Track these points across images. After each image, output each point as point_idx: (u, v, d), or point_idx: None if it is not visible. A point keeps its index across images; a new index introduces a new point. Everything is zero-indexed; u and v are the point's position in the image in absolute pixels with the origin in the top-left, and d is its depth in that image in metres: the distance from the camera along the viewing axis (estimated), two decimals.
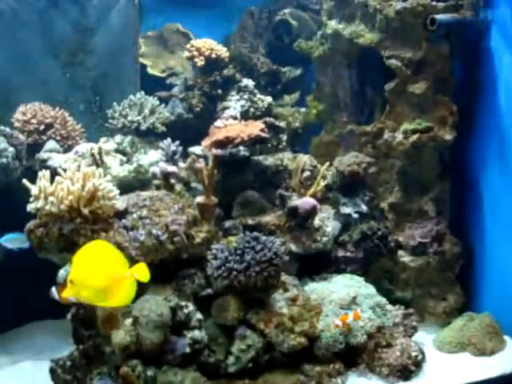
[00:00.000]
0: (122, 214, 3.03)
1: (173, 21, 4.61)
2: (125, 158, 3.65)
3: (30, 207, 2.86)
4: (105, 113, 4.03)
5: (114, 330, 2.89)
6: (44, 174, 2.84)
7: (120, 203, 2.99)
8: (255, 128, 3.50)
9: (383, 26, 3.84)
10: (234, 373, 3.04)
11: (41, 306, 4.01)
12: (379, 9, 3.82)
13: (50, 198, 2.76)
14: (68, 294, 2.44)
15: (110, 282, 2.42)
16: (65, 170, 2.92)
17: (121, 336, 2.84)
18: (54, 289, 3.00)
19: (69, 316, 3.33)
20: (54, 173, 3.39)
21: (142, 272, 2.50)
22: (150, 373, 2.91)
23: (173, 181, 3.24)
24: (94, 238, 2.85)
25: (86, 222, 2.87)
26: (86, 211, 2.82)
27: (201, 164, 3.14)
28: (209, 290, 3.17)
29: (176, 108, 4.01)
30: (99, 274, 2.40)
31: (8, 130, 3.61)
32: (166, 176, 3.21)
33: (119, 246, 2.86)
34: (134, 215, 3.02)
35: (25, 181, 2.87)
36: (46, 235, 2.86)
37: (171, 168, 3.19)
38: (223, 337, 3.10)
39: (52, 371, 3.18)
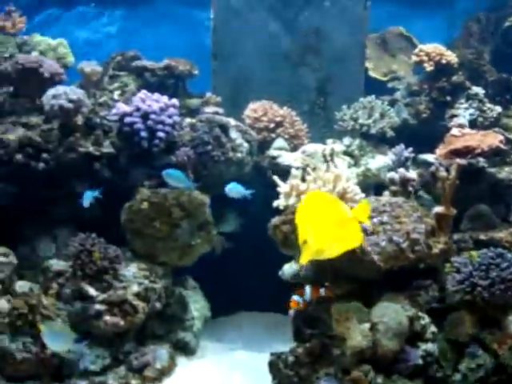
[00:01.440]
0: None
1: (393, 24, 4.58)
2: (352, 161, 3.66)
3: (278, 203, 2.93)
4: (327, 114, 4.07)
5: (348, 332, 2.89)
6: (296, 173, 2.89)
7: None
8: (495, 139, 3.35)
9: None
10: None
11: (249, 297, 4.20)
12: None
13: (303, 197, 2.81)
14: (306, 258, 2.44)
15: (337, 228, 2.40)
16: (313, 169, 2.96)
17: (357, 339, 2.83)
18: (308, 288, 2.99)
19: (291, 313, 3.41)
20: (283, 171, 3.51)
21: (363, 212, 2.50)
22: (379, 380, 2.89)
23: (410, 188, 3.18)
24: None
25: None
26: None
27: (444, 173, 3.05)
28: (434, 304, 3.10)
29: (401, 113, 3.96)
30: (325, 223, 2.37)
31: (243, 126, 3.75)
32: (405, 182, 3.16)
33: (362, 250, 2.87)
34: (375, 220, 3.00)
35: (275, 177, 2.95)
36: (292, 232, 2.91)
37: (411, 175, 3.13)
38: (452, 352, 3.01)
39: (272, 364, 3.25)
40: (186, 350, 3.63)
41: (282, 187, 2.90)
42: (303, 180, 2.88)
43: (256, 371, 3.42)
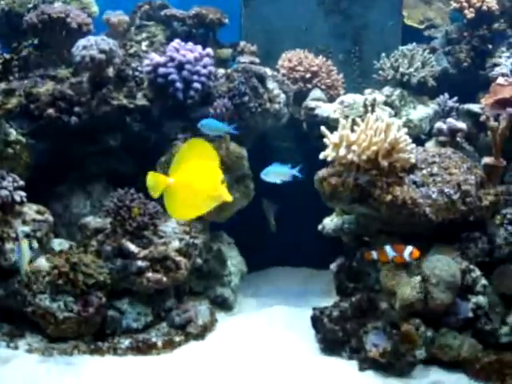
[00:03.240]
0: (409, 169, 2.94)
1: None
2: (393, 112, 3.55)
3: (325, 155, 2.83)
4: (363, 64, 3.95)
5: (398, 285, 2.84)
6: (345, 124, 2.78)
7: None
8: None
9: None
10: (506, 344, 2.91)
11: (281, 252, 4.14)
12: None
13: (353, 147, 2.71)
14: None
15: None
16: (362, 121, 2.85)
17: (408, 292, 2.78)
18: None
19: (333, 266, 3.35)
20: (321, 122, 3.41)
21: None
22: (429, 333, 2.85)
23: (458, 138, 3.09)
24: (389, 192, 2.78)
25: (380, 174, 2.80)
26: (385, 163, 2.75)
27: (495, 123, 2.95)
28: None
29: (441, 62, 3.83)
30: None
31: (280, 76, 3.62)
32: (453, 133, 3.06)
33: (413, 202, 2.79)
34: (424, 171, 2.91)
35: (323, 128, 2.84)
36: (342, 185, 2.83)
37: (460, 125, 3.04)
38: (501, 306, 2.96)
39: (315, 319, 3.21)
40: (224, 305, 3.59)
41: (331, 138, 2.79)
42: (352, 130, 2.78)
43: (297, 325, 3.36)
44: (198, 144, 2.05)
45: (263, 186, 3.77)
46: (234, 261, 3.74)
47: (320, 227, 3.44)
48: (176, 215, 2.13)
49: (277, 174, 3.03)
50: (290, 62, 3.81)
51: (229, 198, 2.02)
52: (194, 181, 2.02)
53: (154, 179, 2.06)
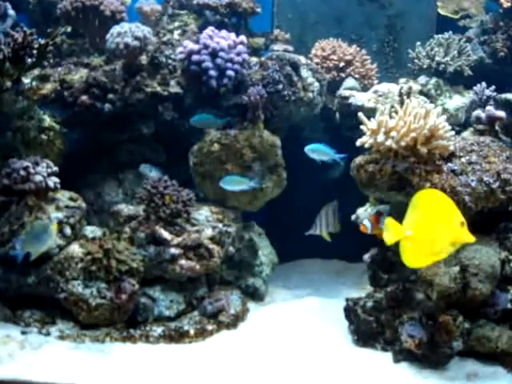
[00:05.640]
0: (447, 157, 2.89)
1: None
2: (428, 101, 3.49)
3: (362, 141, 2.79)
4: (396, 53, 3.90)
5: (435, 275, 2.78)
6: (383, 110, 2.74)
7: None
8: None
9: None
10: None
11: (311, 244, 4.09)
12: None
13: (392, 134, 2.67)
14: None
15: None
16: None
17: (446, 283, 2.73)
18: (366, 221, 2.88)
19: (366, 257, 3.31)
20: (355, 111, 3.37)
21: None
22: (467, 325, 2.80)
23: (497, 127, 3.03)
24: (428, 179, 2.74)
25: (419, 161, 2.76)
26: (424, 150, 2.70)
27: None
28: None
29: (476, 51, 3.77)
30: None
31: (314, 64, 3.58)
32: (492, 121, 3.00)
33: (452, 190, 2.74)
34: (463, 159, 2.85)
35: (360, 114, 2.80)
36: (379, 172, 2.79)
37: (499, 113, 2.97)
38: None
39: (348, 310, 3.17)
40: (255, 295, 3.56)
41: (369, 124, 2.75)
42: (390, 117, 2.74)
43: (329, 316, 3.33)
44: (431, 194, 2.21)
45: (296, 176, 3.80)
46: (265, 251, 3.71)
47: (353, 217, 3.40)
48: (413, 264, 2.19)
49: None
50: (323, 51, 3.77)
51: (471, 239, 2.13)
52: (432, 230, 2.10)
53: (392, 228, 2.16)
